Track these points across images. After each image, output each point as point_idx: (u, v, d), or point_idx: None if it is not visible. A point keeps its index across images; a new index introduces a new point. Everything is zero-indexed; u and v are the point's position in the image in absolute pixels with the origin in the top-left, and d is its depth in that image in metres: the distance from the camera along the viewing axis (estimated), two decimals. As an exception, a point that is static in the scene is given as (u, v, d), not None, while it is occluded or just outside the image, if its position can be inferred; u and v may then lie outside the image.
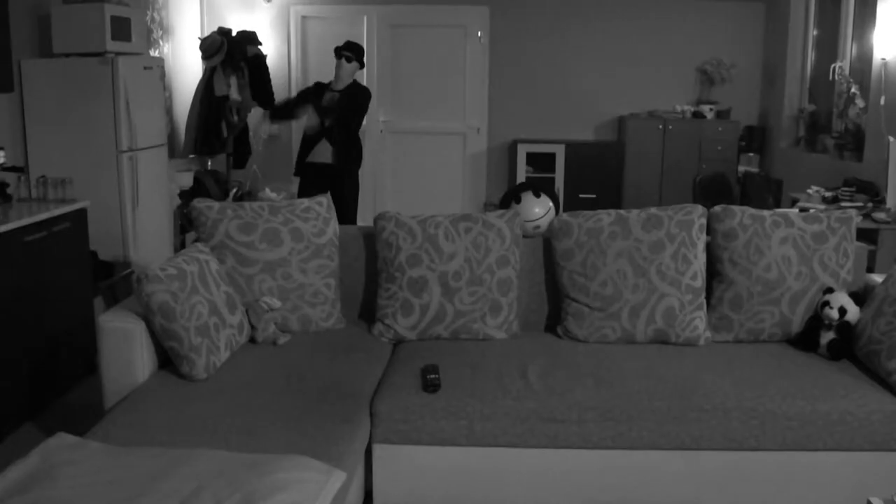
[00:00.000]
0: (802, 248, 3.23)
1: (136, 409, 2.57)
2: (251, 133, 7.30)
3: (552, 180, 7.54)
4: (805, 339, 3.19)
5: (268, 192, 7.38)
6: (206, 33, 6.97)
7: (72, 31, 4.65)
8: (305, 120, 5.81)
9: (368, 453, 2.81)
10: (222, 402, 2.62)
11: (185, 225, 6.05)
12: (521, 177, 7.58)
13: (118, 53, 4.74)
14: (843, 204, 4.86)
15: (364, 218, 7.88)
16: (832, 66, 6.23)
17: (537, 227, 3.48)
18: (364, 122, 8.10)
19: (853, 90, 5.79)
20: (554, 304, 3.43)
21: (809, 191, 5.38)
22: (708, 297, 3.29)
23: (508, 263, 3.28)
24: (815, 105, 6.85)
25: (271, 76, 7.19)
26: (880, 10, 5.37)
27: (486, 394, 2.78)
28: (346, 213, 5.66)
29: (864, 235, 4.14)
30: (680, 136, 7.48)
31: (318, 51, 7.97)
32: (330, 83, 5.73)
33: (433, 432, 2.76)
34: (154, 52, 6.29)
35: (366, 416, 2.71)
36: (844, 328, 3.09)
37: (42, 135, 4.66)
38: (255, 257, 3.23)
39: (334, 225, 3.42)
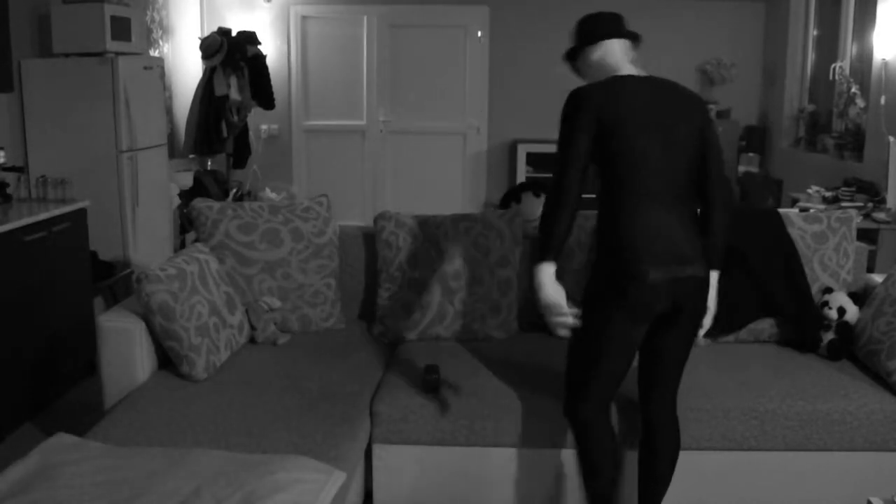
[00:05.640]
0: (802, 248, 3.23)
1: (136, 409, 2.57)
2: (251, 133, 7.31)
3: (552, 180, 7.52)
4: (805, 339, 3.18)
5: (268, 192, 7.39)
6: (206, 33, 6.97)
7: (72, 31, 4.65)
8: None
9: (368, 453, 2.81)
10: (222, 402, 2.62)
11: (185, 225, 6.05)
12: (521, 177, 7.57)
13: (118, 53, 4.74)
14: (843, 204, 4.86)
15: (364, 218, 7.89)
16: (832, 66, 6.23)
17: (537, 227, 3.47)
18: (364, 122, 8.13)
19: (853, 90, 5.79)
20: (554, 304, 3.42)
21: (809, 191, 5.37)
22: (708, 297, 3.28)
23: (508, 263, 3.28)
24: (815, 105, 6.84)
25: (271, 76, 7.20)
26: (880, 10, 5.37)
27: (487, 394, 2.78)
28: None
29: (864, 235, 4.15)
30: (680, 136, 7.46)
31: (318, 51, 7.97)
32: None
33: (433, 432, 2.76)
34: (154, 52, 6.29)
35: (366, 417, 2.71)
36: (844, 328, 3.09)
37: (42, 135, 4.66)
38: (255, 257, 3.23)
39: (334, 225, 3.42)
